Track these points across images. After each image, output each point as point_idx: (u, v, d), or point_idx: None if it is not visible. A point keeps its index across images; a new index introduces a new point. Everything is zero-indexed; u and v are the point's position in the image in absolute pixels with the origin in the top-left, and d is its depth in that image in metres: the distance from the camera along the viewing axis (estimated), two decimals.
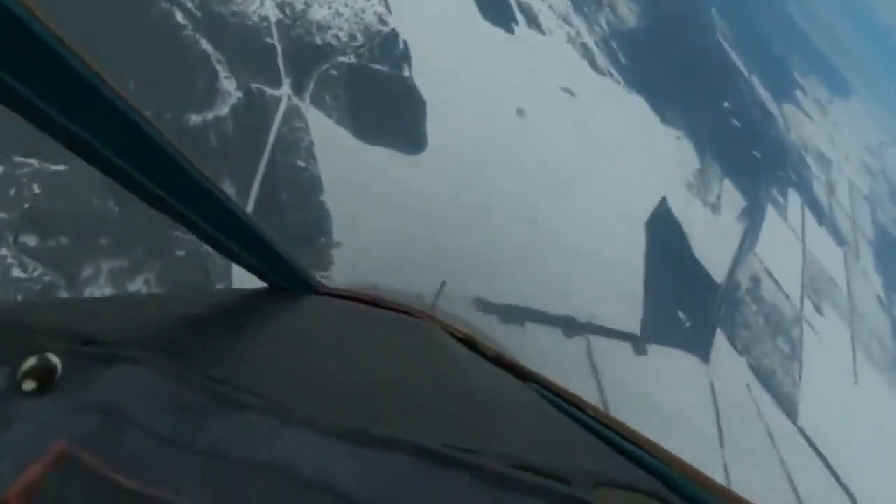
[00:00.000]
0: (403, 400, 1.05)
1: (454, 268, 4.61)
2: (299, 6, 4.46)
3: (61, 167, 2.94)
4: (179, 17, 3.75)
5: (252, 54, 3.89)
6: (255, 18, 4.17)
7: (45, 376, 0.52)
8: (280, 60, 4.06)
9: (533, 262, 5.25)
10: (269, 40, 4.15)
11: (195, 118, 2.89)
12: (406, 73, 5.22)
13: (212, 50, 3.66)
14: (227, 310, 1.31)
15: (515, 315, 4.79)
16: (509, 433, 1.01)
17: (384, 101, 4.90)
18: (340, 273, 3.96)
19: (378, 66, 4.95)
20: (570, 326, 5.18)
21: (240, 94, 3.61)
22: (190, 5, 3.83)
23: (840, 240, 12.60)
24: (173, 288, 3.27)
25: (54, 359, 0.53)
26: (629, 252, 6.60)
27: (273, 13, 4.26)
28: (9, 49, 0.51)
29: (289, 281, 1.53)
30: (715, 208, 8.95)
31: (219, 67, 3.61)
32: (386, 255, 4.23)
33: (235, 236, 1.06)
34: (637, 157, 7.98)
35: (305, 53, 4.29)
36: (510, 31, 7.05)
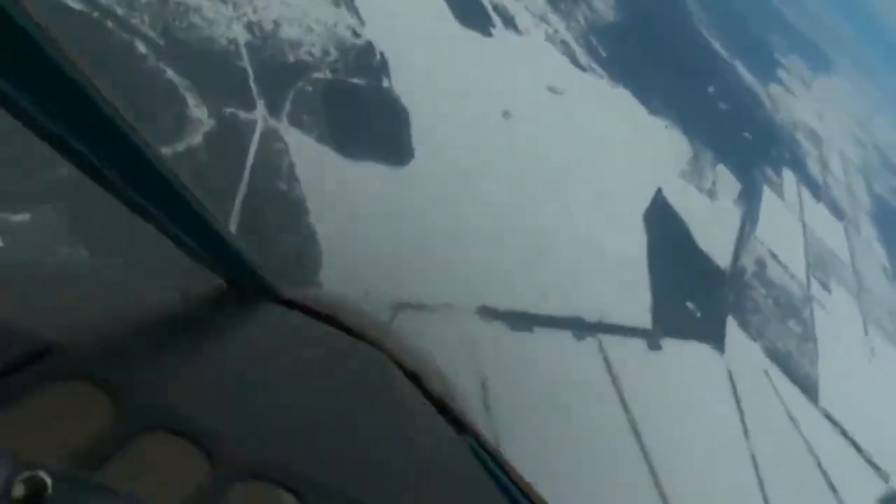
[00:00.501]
0: (328, 443, 1.05)
1: (454, 278, 4.44)
2: (269, 26, 4.32)
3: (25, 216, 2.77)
4: (141, 47, 3.60)
5: (222, 79, 3.73)
6: (223, 42, 4.02)
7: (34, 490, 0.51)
8: (252, 82, 3.90)
9: (534, 266, 5.08)
10: (239, 63, 4.00)
11: (166, 150, 2.73)
12: (385, 84, 5.07)
13: (179, 79, 3.50)
14: (178, 312, 1.28)
15: (523, 321, 4.61)
16: (423, 494, 1.04)
17: (365, 114, 4.74)
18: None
19: (356, 80, 4.80)
20: (580, 328, 5.00)
21: (213, 121, 3.45)
22: (152, 34, 3.68)
23: (839, 214, 12.47)
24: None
25: (46, 478, 0.52)
26: (631, 247, 6.43)
27: (242, 35, 4.11)
28: None
29: (249, 284, 1.50)
30: (711, 194, 8.81)
31: (187, 95, 3.45)
32: (380, 273, 4.06)
33: (195, 232, 1.03)
34: (628, 150, 7.85)
35: (278, 73, 4.13)
36: (487, 34, 6.93)
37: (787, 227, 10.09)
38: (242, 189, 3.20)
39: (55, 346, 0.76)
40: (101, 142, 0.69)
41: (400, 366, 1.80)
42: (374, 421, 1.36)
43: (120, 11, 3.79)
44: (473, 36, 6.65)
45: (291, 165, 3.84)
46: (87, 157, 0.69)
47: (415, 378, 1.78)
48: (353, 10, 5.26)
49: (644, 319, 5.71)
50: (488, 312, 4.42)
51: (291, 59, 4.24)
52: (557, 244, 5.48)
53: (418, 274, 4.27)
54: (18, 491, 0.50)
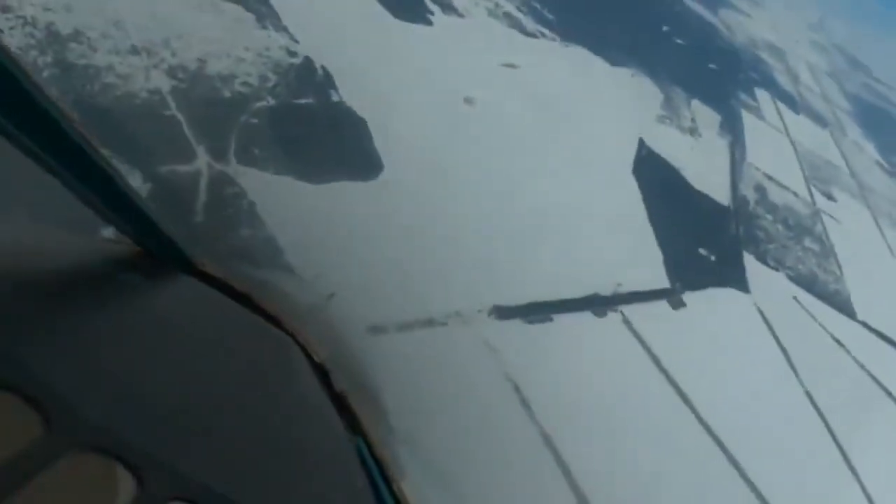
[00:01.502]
0: (202, 425, 0.99)
1: (455, 284, 4.10)
2: (193, 66, 3.95)
3: None
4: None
5: (151, 136, 3.37)
6: (144, 95, 3.66)
7: None
8: (187, 130, 3.53)
9: (535, 251, 4.74)
10: (167, 113, 3.63)
11: (105, 232, 2.38)
12: (335, 98, 4.72)
13: (102, 149, 3.13)
14: (72, 270, 1.17)
15: (539, 311, 4.28)
16: (299, 492, 1.01)
17: (320, 134, 4.39)
18: (338, 328, 3.44)
19: (302, 100, 4.45)
20: (599, 304, 4.66)
21: (149, 185, 3.08)
22: (81, 91, 3.32)
23: (821, 121, 12.21)
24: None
25: None
26: (627, 206, 6.10)
27: (164, 83, 3.74)
28: None
29: (162, 252, 1.41)
30: (693, 132, 8.49)
31: (116, 164, 3.08)
32: (376, 296, 3.71)
33: (99, 189, 0.98)
34: (599, 108, 7.51)
35: (215, 112, 3.77)
36: (428, 23, 6.58)
37: (775, 146, 9.80)
38: (201, 247, 2.83)
39: None
40: (8, 104, 0.67)
41: (309, 357, 1.77)
42: (264, 409, 1.28)
43: None
44: (414, 28, 6.30)
45: (252, 206, 3.48)
46: None
47: (321, 371, 1.75)
48: (283, 29, 4.90)
49: (660, 279, 5.39)
50: (500, 311, 4.08)
51: (227, 94, 3.88)
52: (552, 223, 5.14)
53: (417, 288, 3.92)
54: None
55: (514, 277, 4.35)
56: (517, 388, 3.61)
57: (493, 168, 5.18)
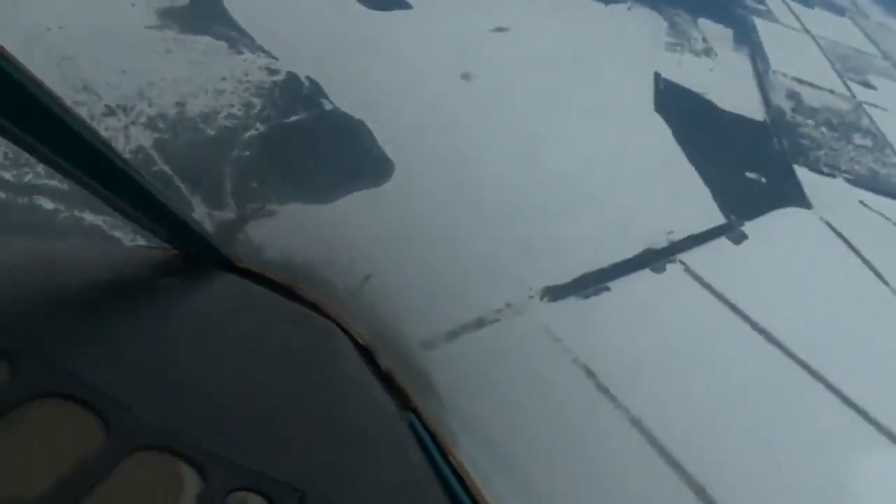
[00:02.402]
0: (254, 414, 1.01)
1: (498, 274, 3.78)
2: (172, 111, 3.71)
3: None
4: (46, 203, 3.01)
5: None
6: (127, 157, 3.40)
7: None
8: (179, 183, 3.29)
9: (571, 220, 4.38)
10: (155, 168, 3.39)
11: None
12: (328, 107, 4.43)
13: (96, 218, 2.90)
14: (111, 278, 1.18)
15: (592, 282, 3.93)
16: (355, 471, 1.05)
17: (320, 147, 4.11)
18: (391, 348, 3.16)
19: (293, 118, 4.17)
20: (655, 258, 4.28)
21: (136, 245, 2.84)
22: (52, 184, 3.10)
23: (838, 10, 11.41)
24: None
25: None
26: (658, 148, 5.67)
27: (145, 137, 3.51)
28: None
29: (200, 253, 1.45)
30: (708, 52, 7.93)
31: (115, 234, 2.85)
32: (420, 304, 3.43)
33: (139, 203, 1.01)
34: (603, 52, 7.04)
35: (203, 155, 3.51)
36: (406, 6, 6.22)
37: (797, 46, 9.13)
38: None
39: None
40: (28, 119, 0.68)
41: (352, 339, 1.80)
42: (315, 394, 1.29)
43: (9, 176, 3.22)
44: (393, 15, 5.96)
45: (260, 249, 3.22)
46: (13, 133, 0.69)
47: (365, 352, 1.78)
48: (258, 49, 4.62)
49: (713, 215, 4.96)
50: (552, 292, 3.75)
51: (211, 132, 3.62)
52: (583, 185, 4.76)
53: (458, 288, 3.62)
54: None
55: (557, 252, 4.01)
56: (590, 373, 3.28)
57: (508, 141, 4.82)
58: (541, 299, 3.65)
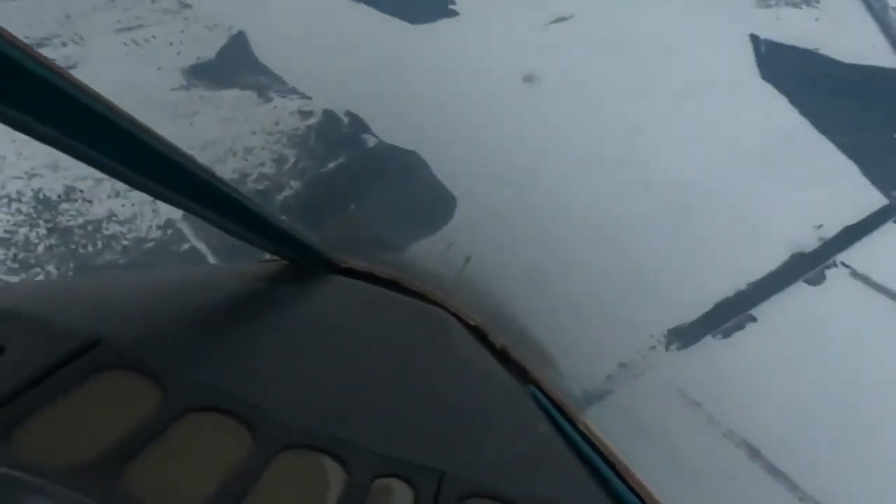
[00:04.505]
0: (382, 405, 1.05)
1: (610, 321, 2.97)
2: None
3: None
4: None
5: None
6: (156, 233, 2.98)
7: None
8: (213, 259, 2.76)
9: (691, 237, 3.48)
10: (186, 246, 2.89)
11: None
12: (372, 142, 3.82)
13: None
14: (231, 292, 1.27)
15: (730, 313, 3.03)
16: (485, 447, 1.06)
17: (372, 191, 3.49)
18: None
19: (334, 162, 3.59)
20: (807, 266, 3.30)
21: None
22: (82, 253, 2.65)
23: None
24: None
25: None
26: (777, 124, 4.61)
27: (174, 211, 3.03)
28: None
29: (307, 260, 1.55)
30: (808, 1, 6.72)
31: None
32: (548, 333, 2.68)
33: (244, 221, 1.07)
34: (682, 25, 6.03)
35: None
36: (451, 14, 5.55)
37: None
38: None
39: (104, 338, 0.76)
40: (135, 159, 0.74)
41: (463, 322, 1.90)
42: (435, 378, 1.32)
43: (17, 261, 2.82)
44: (439, 26, 5.31)
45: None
46: (124, 173, 0.75)
47: (478, 332, 1.88)
48: (291, 91, 4.10)
49: (869, 195, 3.88)
50: (681, 335, 2.89)
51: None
52: (696, 191, 3.82)
53: (569, 349, 2.84)
54: None
55: (679, 282, 3.13)
56: (755, 452, 2.39)
57: (592, 154, 3.99)
58: (667, 349, 2.79)
